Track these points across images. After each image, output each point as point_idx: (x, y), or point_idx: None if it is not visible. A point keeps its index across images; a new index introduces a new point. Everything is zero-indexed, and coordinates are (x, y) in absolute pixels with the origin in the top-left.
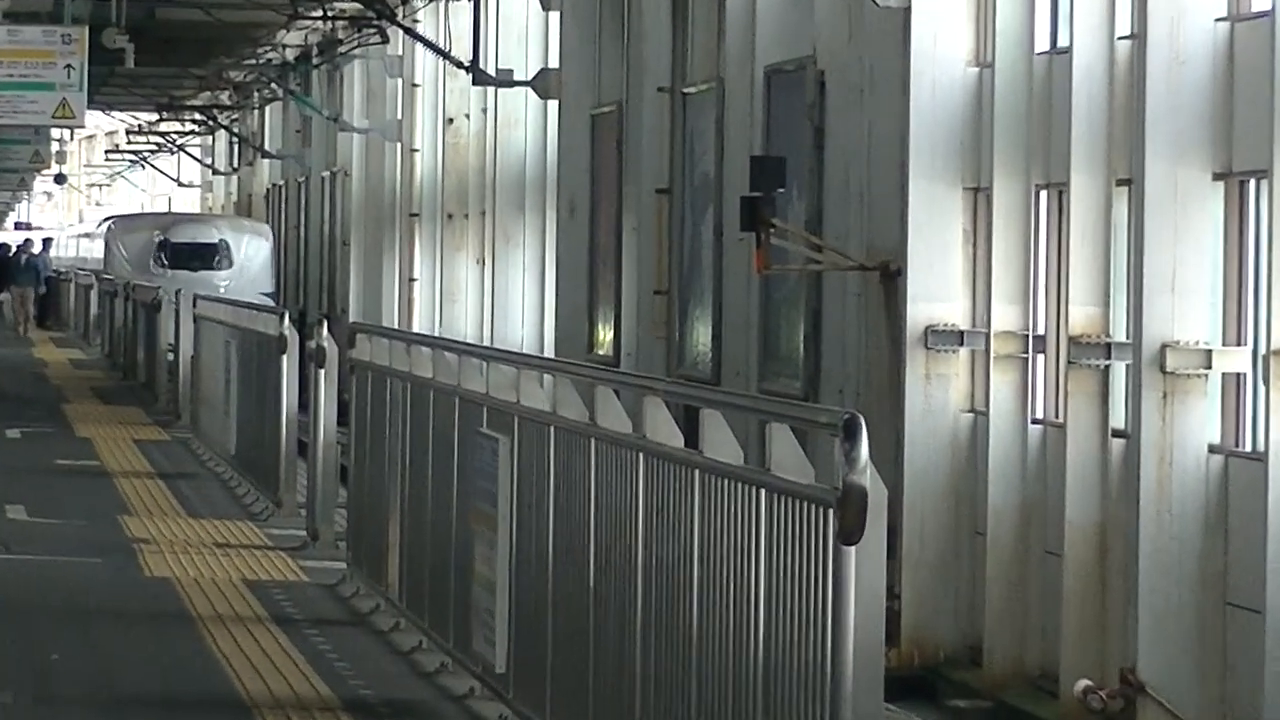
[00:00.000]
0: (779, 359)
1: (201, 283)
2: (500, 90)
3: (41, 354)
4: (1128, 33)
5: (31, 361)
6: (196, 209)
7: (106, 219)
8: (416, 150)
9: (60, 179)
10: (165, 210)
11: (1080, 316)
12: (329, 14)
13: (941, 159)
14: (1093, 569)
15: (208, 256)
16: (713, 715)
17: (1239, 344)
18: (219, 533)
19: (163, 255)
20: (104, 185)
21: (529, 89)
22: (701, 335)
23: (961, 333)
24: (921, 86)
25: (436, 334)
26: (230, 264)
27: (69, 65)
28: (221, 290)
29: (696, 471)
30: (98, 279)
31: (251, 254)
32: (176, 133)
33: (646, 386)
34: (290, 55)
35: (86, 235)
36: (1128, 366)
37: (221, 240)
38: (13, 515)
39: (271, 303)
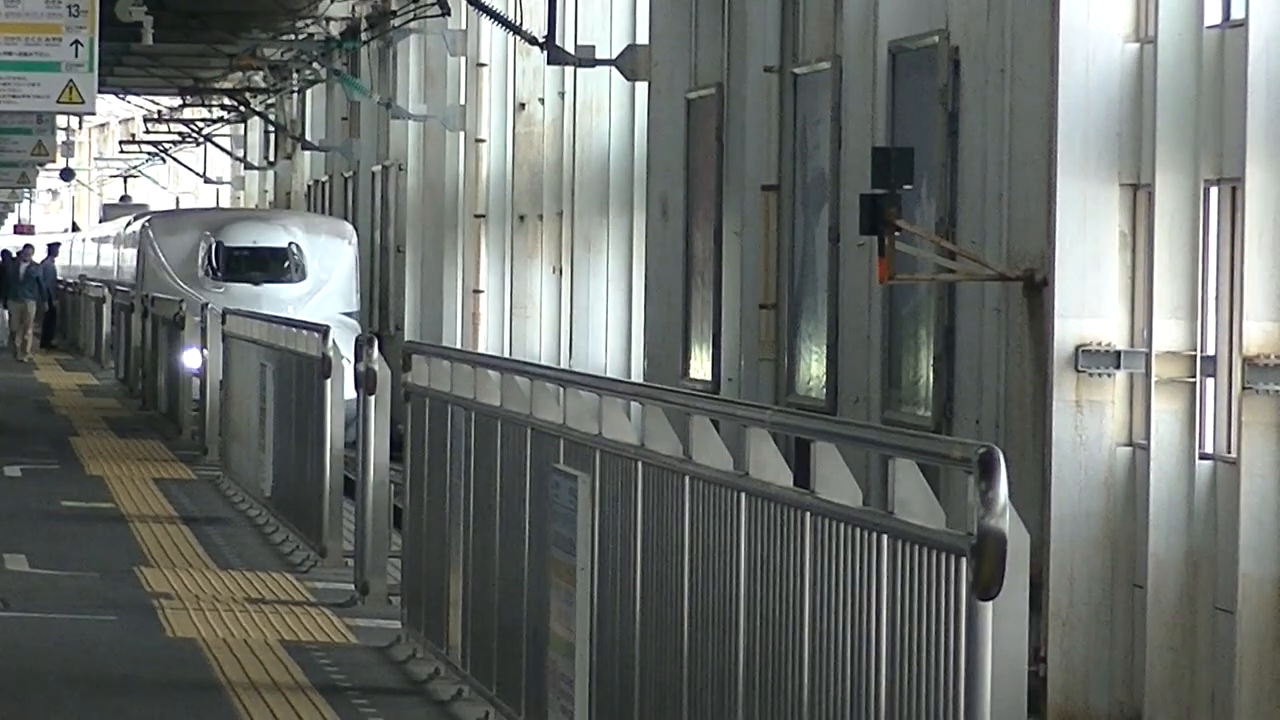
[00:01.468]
0: (905, 384)
1: (266, 299)
2: (580, 71)
3: (46, 379)
4: None
5: (35, 388)
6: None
7: (140, 216)
8: (482, 140)
9: (67, 174)
10: (217, 205)
11: (1257, 334)
12: None
13: (1095, 151)
14: (1271, 628)
15: (274, 265)
16: None
17: None
18: (252, 586)
19: (215, 263)
20: (128, 176)
21: (613, 69)
22: (814, 357)
23: (1118, 353)
24: (1072, 66)
25: (506, 355)
26: (303, 275)
27: (77, 41)
28: (290, 310)
29: (808, 514)
30: (110, 291)
31: (330, 262)
32: (203, 120)
33: (750, 416)
34: (335, 30)
35: (110, 239)
36: None
37: (291, 244)
38: (12, 566)
39: (355, 324)
